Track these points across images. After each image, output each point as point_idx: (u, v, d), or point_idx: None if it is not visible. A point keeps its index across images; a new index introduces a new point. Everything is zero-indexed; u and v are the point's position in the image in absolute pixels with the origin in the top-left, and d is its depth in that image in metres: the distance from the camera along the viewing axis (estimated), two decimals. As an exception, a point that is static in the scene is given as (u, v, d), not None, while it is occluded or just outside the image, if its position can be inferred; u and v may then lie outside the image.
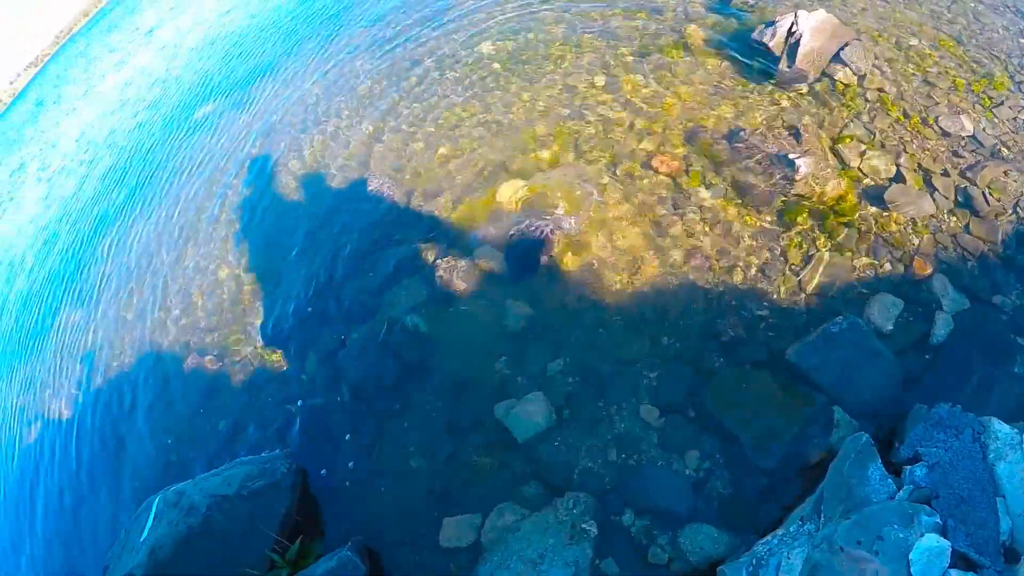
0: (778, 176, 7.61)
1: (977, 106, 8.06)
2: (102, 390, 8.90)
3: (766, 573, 5.27)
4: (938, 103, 8.11)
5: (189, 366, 8.38)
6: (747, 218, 7.55)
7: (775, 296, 7.11)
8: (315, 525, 6.65)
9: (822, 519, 5.57)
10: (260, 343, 8.16)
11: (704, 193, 7.78)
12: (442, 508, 6.46)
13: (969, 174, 7.54)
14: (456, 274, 7.80)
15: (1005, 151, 7.73)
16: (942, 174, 7.59)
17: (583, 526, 5.95)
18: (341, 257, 8.55)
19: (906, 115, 8.02)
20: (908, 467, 5.49)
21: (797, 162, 7.40)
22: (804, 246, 7.29)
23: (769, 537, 5.48)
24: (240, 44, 13.84)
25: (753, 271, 7.27)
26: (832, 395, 6.48)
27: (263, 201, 9.74)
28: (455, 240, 8.18)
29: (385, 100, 10.35)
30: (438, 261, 7.97)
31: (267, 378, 7.85)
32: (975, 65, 8.42)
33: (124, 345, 9.15)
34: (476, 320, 7.53)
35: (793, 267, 7.20)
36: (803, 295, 7.08)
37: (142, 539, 6.17)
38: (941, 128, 7.92)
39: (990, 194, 7.43)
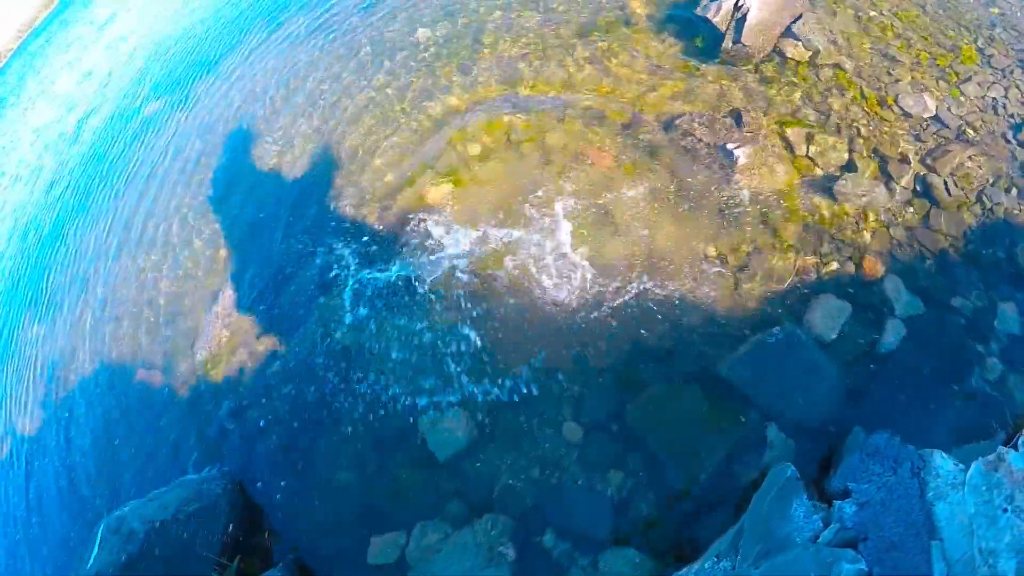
0: (716, 168, 6.71)
1: (942, 83, 7.09)
2: (61, 403, 8.67)
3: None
4: (899, 80, 7.13)
5: (138, 379, 8.14)
6: (684, 216, 6.70)
7: (710, 302, 6.29)
8: (254, 542, 6.38)
9: (739, 556, 4.93)
10: (201, 356, 7.78)
11: (638, 188, 6.90)
12: (370, 524, 6.10)
13: (930, 160, 6.62)
14: (376, 286, 7.22)
15: (971, 132, 6.79)
16: (900, 160, 6.68)
17: (500, 549, 5.61)
18: (274, 268, 7.99)
19: (863, 94, 7.07)
20: (837, 502, 4.81)
21: (735, 152, 6.50)
22: (744, 245, 6.44)
23: (685, 570, 4.85)
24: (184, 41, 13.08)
25: (688, 275, 6.44)
26: (767, 412, 5.75)
27: (209, 203, 9.16)
28: (380, 248, 7.47)
29: (322, 91, 9.53)
30: (360, 274, 7.33)
31: (208, 392, 7.52)
32: (941, 37, 7.41)
33: (80, 357, 8.91)
34: (398, 332, 6.92)
35: (731, 269, 6.38)
36: (741, 300, 6.26)
37: (87, 567, 6.13)
38: (901, 108, 6.97)
39: (953, 182, 6.53)
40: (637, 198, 6.88)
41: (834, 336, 5.97)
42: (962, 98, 6.99)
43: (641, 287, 6.48)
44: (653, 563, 5.29)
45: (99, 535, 6.21)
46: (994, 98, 6.98)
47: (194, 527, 6.16)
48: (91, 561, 6.11)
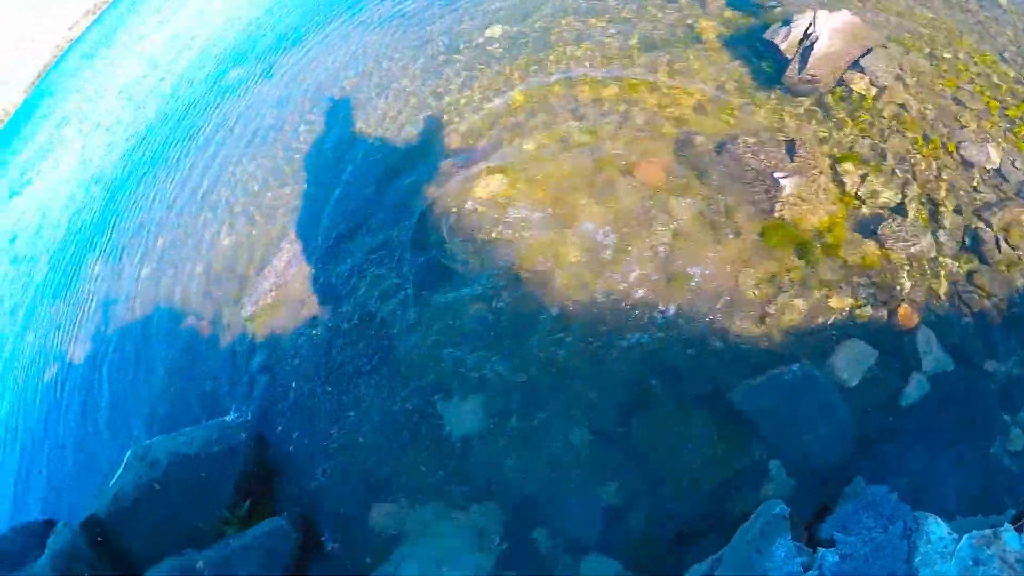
0: (761, 195, 6.57)
1: (1009, 135, 6.74)
2: (111, 340, 9.25)
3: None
4: (964, 127, 6.82)
5: (185, 325, 8.61)
6: (723, 239, 6.60)
7: (735, 328, 6.21)
8: (268, 490, 6.69)
9: (717, 584, 4.91)
10: (246, 312, 8.13)
11: (682, 207, 6.82)
12: (375, 491, 6.32)
13: (985, 213, 6.34)
14: (422, 269, 7.40)
15: (1034, 191, 6.47)
16: (953, 210, 6.41)
17: (490, 535, 5.73)
18: (327, 240, 8.28)
19: (925, 138, 6.79)
20: (821, 550, 4.74)
21: (782, 181, 6.35)
22: (778, 276, 6.32)
23: None
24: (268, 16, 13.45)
25: (717, 298, 6.36)
26: (773, 446, 5.66)
27: (277, 169, 9.52)
28: (429, 232, 7.63)
29: (393, 78, 9.71)
30: (408, 255, 7.53)
31: (246, 346, 7.88)
32: (1016, 86, 7.04)
33: (138, 299, 9.51)
34: (440, 315, 7.10)
35: (761, 298, 6.27)
36: (766, 331, 6.15)
37: (110, 485, 6.57)
38: (962, 156, 6.68)
39: (1006, 240, 6.24)
40: (680, 215, 6.82)
41: (856, 382, 5.81)
42: (1030, 154, 6.65)
43: (670, 304, 6.45)
44: None
45: (126, 459, 6.67)
46: (1065, 157, 6.62)
47: (213, 466, 6.49)
48: (114, 480, 6.57)
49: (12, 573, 6.27)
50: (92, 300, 9.84)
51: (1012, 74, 7.15)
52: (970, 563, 4.50)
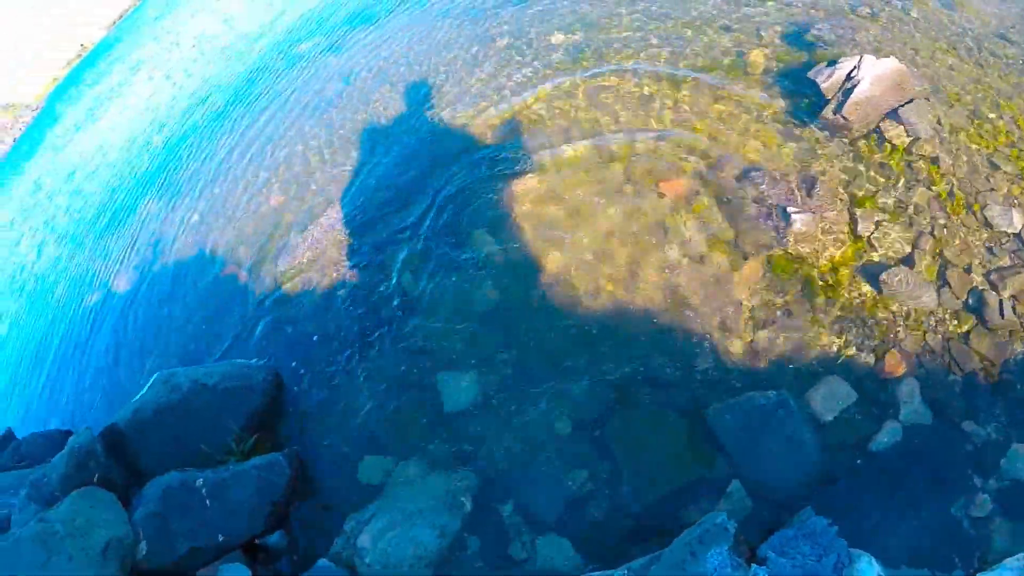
0: (773, 228, 6.68)
1: (1040, 203, 6.64)
2: (156, 276, 9.92)
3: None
4: (994, 189, 6.73)
5: (224, 272, 9.20)
6: (730, 264, 6.74)
7: (725, 350, 6.37)
8: (274, 429, 7.16)
9: (645, 576, 5.14)
10: (281, 267, 8.65)
11: (698, 228, 7.00)
12: (368, 445, 6.72)
13: (995, 276, 6.28)
14: (451, 252, 7.77)
15: (1052, 263, 6.36)
16: (964, 269, 6.38)
17: (461, 499, 6.05)
18: (367, 211, 8.70)
19: (950, 194, 6.74)
20: (754, 566, 4.92)
21: (794, 216, 6.45)
22: (776, 307, 6.44)
23: (598, 574, 5.12)
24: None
25: (713, 318, 6.53)
26: (737, 466, 5.83)
27: (332, 140, 10.03)
28: (460, 219, 8.02)
29: (454, 70, 10.09)
30: (433, 236, 7.94)
31: (278, 298, 8.38)
32: (1057, 156, 6.89)
33: (183, 241, 10.13)
34: (451, 293, 7.48)
35: (754, 325, 6.41)
36: (753, 357, 6.30)
37: (133, 400, 7.04)
38: (985, 217, 6.60)
39: (1012, 307, 6.18)
40: (694, 236, 6.98)
41: (829, 419, 5.91)
42: (1055, 224, 6.52)
43: (669, 317, 6.64)
44: (581, 560, 5.59)
45: (152, 380, 7.17)
46: (1091, 234, 6.47)
47: (229, 399, 6.93)
48: (137, 397, 7.04)
49: (31, 466, 6.84)
50: (140, 237, 10.50)
51: (1055, 143, 6.99)
52: (891, 611, 4.61)
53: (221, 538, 5.81)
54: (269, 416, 7.13)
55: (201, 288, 9.27)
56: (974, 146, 7.00)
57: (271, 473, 6.29)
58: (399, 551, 5.74)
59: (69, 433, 7.54)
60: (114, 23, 15.37)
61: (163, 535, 5.67)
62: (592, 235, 7.24)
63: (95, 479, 6.02)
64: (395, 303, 7.65)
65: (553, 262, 7.19)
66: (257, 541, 6.06)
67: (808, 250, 6.53)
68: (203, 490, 6.00)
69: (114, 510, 5.77)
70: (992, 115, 7.20)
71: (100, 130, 13.80)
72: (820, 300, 6.36)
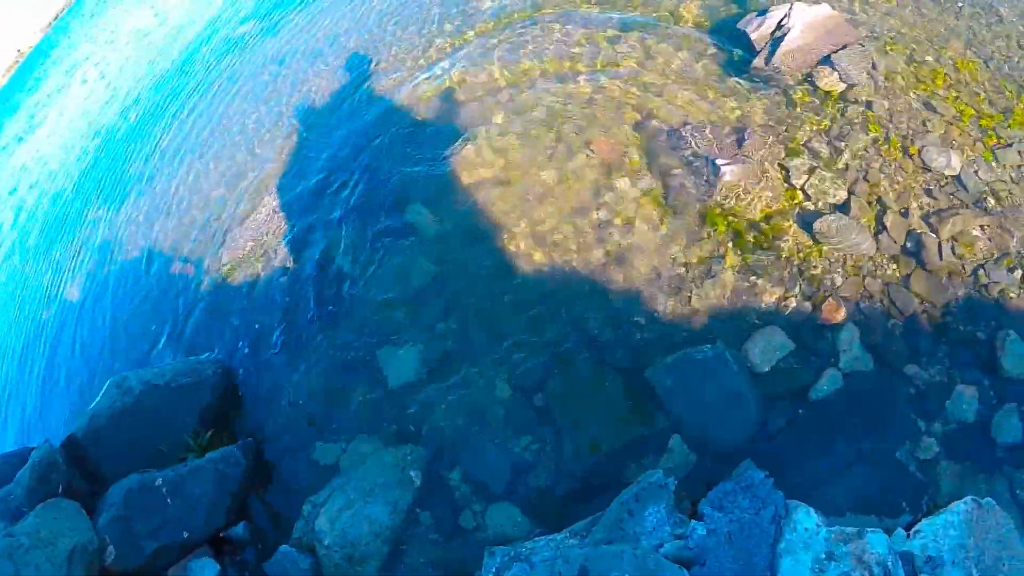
0: (703, 180, 6.49)
1: (978, 144, 6.42)
2: (106, 280, 9.96)
3: (515, 569, 4.81)
4: (930, 132, 6.53)
5: (173, 270, 9.18)
6: (663, 220, 6.56)
7: (661, 306, 6.19)
8: (228, 422, 7.12)
9: (587, 539, 4.99)
10: (225, 259, 8.61)
11: (629, 185, 6.81)
12: (320, 428, 6.67)
13: (933, 219, 6.10)
14: (387, 228, 7.66)
15: (992, 202, 6.16)
16: (901, 213, 6.19)
17: (410, 473, 6.02)
18: (313, 196, 8.60)
19: (886, 138, 6.54)
20: (692, 522, 4.78)
21: (723, 168, 6.25)
22: (709, 260, 6.25)
23: (543, 540, 4.97)
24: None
25: (648, 275, 6.35)
26: (677, 422, 5.67)
27: (268, 125, 9.91)
28: (400, 194, 7.87)
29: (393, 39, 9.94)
30: (373, 213, 7.82)
31: (225, 291, 8.37)
32: (996, 95, 6.67)
33: (130, 242, 10.16)
34: (389, 269, 7.37)
35: (689, 279, 6.23)
36: (690, 312, 6.11)
37: (88, 408, 7.06)
38: (923, 160, 6.41)
39: (951, 248, 6.00)
40: (626, 193, 6.83)
41: (767, 369, 5.73)
42: (995, 163, 6.33)
43: (604, 276, 6.49)
44: (529, 525, 5.50)
45: (105, 386, 7.13)
46: (1032, 171, 6.29)
47: (181, 397, 6.91)
48: (92, 404, 7.03)
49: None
50: (87, 243, 10.46)
51: (994, 84, 6.80)
52: (823, 556, 4.45)
53: (186, 535, 5.83)
54: (223, 409, 7.08)
55: (150, 288, 9.26)
56: (911, 91, 6.82)
57: (227, 465, 6.29)
58: (355, 530, 5.72)
59: (32, 449, 7.50)
60: (50, 24, 15.20)
61: (128, 537, 5.68)
62: (525, 200, 7.08)
63: (59, 490, 6.06)
64: (335, 285, 7.56)
65: (487, 229, 7.04)
66: (222, 534, 6.05)
67: (741, 201, 6.35)
68: (163, 489, 5.99)
69: (78, 518, 5.79)
70: (929, 58, 7.02)
71: (40, 139, 13.70)
72: (754, 251, 6.19)
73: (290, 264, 7.93)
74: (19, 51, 14.58)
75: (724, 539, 4.63)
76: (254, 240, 8.41)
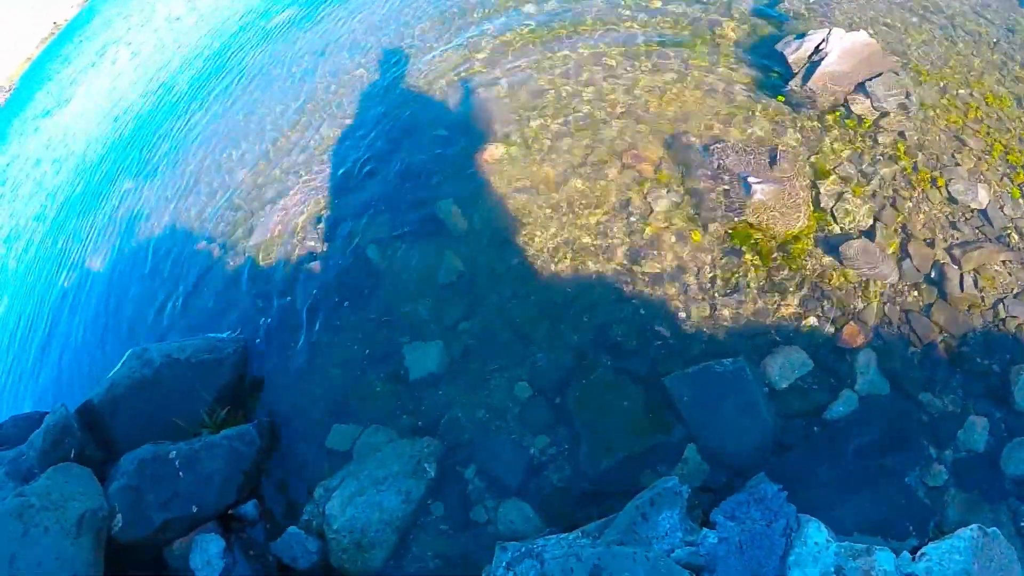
0: (733, 197, 6.60)
1: (1005, 179, 6.53)
2: (131, 255, 10.03)
3: (526, 565, 4.92)
4: (959, 165, 6.64)
5: (199, 248, 9.22)
6: (692, 233, 6.67)
7: (684, 318, 6.30)
8: (245, 401, 7.15)
9: (599, 540, 5.09)
10: (253, 242, 8.67)
11: (662, 197, 6.91)
12: (337, 414, 6.72)
13: (957, 251, 6.20)
14: (416, 221, 7.73)
15: (1015, 238, 6.27)
16: (925, 242, 6.29)
17: (425, 465, 6.05)
18: (342, 184, 8.65)
19: (915, 168, 6.65)
20: (704, 530, 4.88)
21: (754, 187, 6.36)
22: (735, 276, 6.36)
23: (554, 538, 5.03)
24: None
25: (673, 287, 6.46)
26: (693, 433, 5.76)
27: (302, 113, 9.96)
28: (430, 189, 7.96)
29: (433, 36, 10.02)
30: (403, 206, 7.89)
31: (250, 273, 8.39)
32: (1024, 133, 6.80)
33: (158, 218, 10.21)
34: (417, 263, 7.45)
35: (714, 294, 6.33)
36: (712, 325, 6.22)
37: (108, 376, 7.06)
38: (950, 193, 6.51)
39: (973, 281, 6.10)
40: (657, 205, 6.92)
41: (785, 386, 5.84)
42: (1021, 200, 6.43)
43: (631, 285, 6.58)
44: (540, 523, 5.57)
45: (126, 356, 7.18)
46: (1057, 210, 6.38)
47: (201, 372, 6.93)
48: (111, 373, 7.06)
49: (13, 447, 6.85)
50: (117, 215, 10.51)
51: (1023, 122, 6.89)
52: (831, 570, 4.56)
53: (195, 509, 5.81)
54: (241, 388, 7.12)
55: (176, 265, 9.30)
56: (942, 122, 6.91)
57: (242, 443, 6.30)
58: (365, 516, 5.75)
59: (47, 414, 7.57)
60: (86, 2, 15.26)
61: (138, 507, 5.67)
62: (555, 205, 7.18)
63: (72, 455, 6.06)
64: (362, 274, 7.60)
65: (516, 232, 7.13)
66: (231, 511, 6.06)
67: (769, 220, 6.45)
68: (176, 462, 5.99)
69: (89, 484, 5.79)
70: (962, 91, 7.11)
71: (75, 110, 13.74)
72: (780, 270, 6.29)
73: (319, 250, 8.02)
74: (55, 23, 14.63)
75: (735, 548, 4.73)
76: (283, 225, 8.50)
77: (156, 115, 12.09)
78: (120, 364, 7.10)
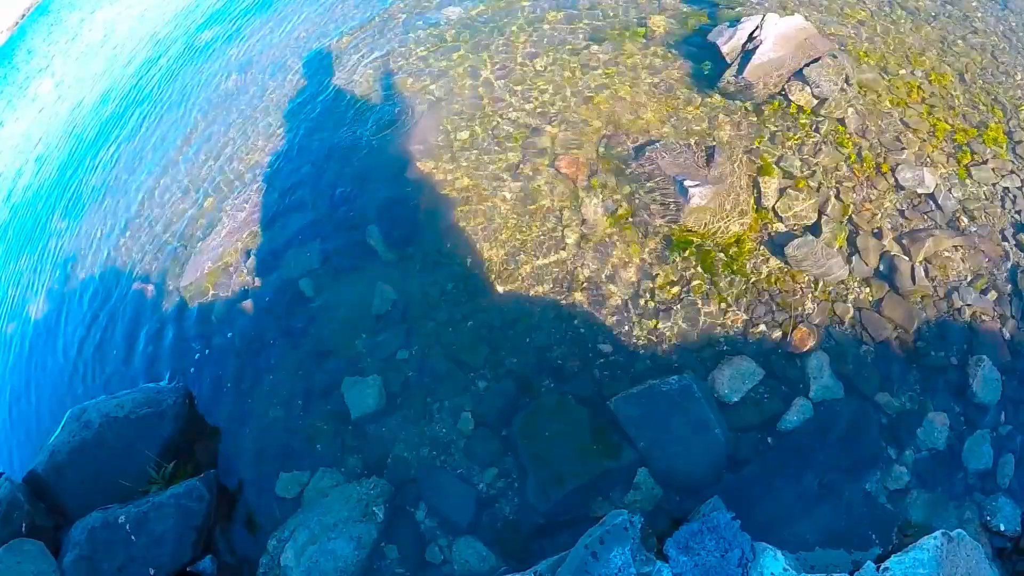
0: (670, 202, 6.27)
1: (951, 160, 6.26)
2: (65, 296, 9.52)
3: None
4: (905, 148, 6.35)
5: (133, 288, 8.75)
6: (630, 243, 6.34)
7: (627, 334, 6.00)
8: (192, 451, 6.81)
9: (551, 580, 4.83)
10: (185, 281, 8.27)
11: (597, 206, 6.59)
12: (283, 460, 6.42)
13: (906, 241, 5.93)
14: (347, 248, 7.40)
15: (965, 221, 6.01)
16: (873, 234, 6.02)
17: (373, 508, 5.82)
18: (273, 213, 8.26)
19: (859, 155, 6.36)
20: (659, 563, 4.64)
21: (691, 191, 6.03)
22: (676, 286, 6.05)
23: None
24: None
25: (614, 301, 6.15)
26: (643, 455, 5.50)
27: (230, 138, 9.55)
28: (360, 212, 7.59)
29: (355, 47, 9.60)
30: (332, 232, 7.55)
31: (185, 314, 8.00)
32: (969, 110, 6.50)
33: (90, 259, 9.77)
34: (349, 294, 7.12)
35: (655, 306, 6.02)
36: (656, 340, 5.93)
37: (48, 443, 6.78)
38: (896, 179, 6.24)
39: (924, 271, 5.83)
40: (590, 215, 6.61)
41: (736, 399, 5.58)
42: (968, 181, 6.16)
43: (567, 302, 6.28)
44: (496, 561, 5.34)
45: (64, 419, 6.86)
46: (1006, 188, 6.13)
47: (142, 428, 6.65)
48: (52, 439, 6.76)
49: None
50: (51, 258, 10.09)
51: (968, 98, 6.60)
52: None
53: (152, 571, 5.66)
54: (185, 439, 6.80)
55: (112, 310, 8.86)
56: (884, 105, 6.64)
57: (190, 500, 6.11)
58: (320, 566, 5.53)
59: None
60: (14, 26, 14.69)
61: None
62: (488, 220, 6.85)
63: (23, 529, 5.88)
64: (296, 309, 7.25)
65: (448, 253, 6.82)
66: (189, 569, 5.84)
67: (709, 224, 6.15)
68: (127, 526, 5.83)
69: (42, 560, 5.63)
70: (903, 71, 6.82)
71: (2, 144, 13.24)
72: (723, 276, 6.00)
73: (251, 286, 7.65)
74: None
75: (691, 583, 4.49)
76: (213, 260, 8.11)
77: (86, 147, 11.64)
78: (60, 428, 6.81)
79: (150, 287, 8.53)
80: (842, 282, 5.87)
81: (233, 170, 8.87)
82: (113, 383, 7.92)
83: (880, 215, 6.07)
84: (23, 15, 14.77)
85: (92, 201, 10.33)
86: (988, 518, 5.18)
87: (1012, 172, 6.16)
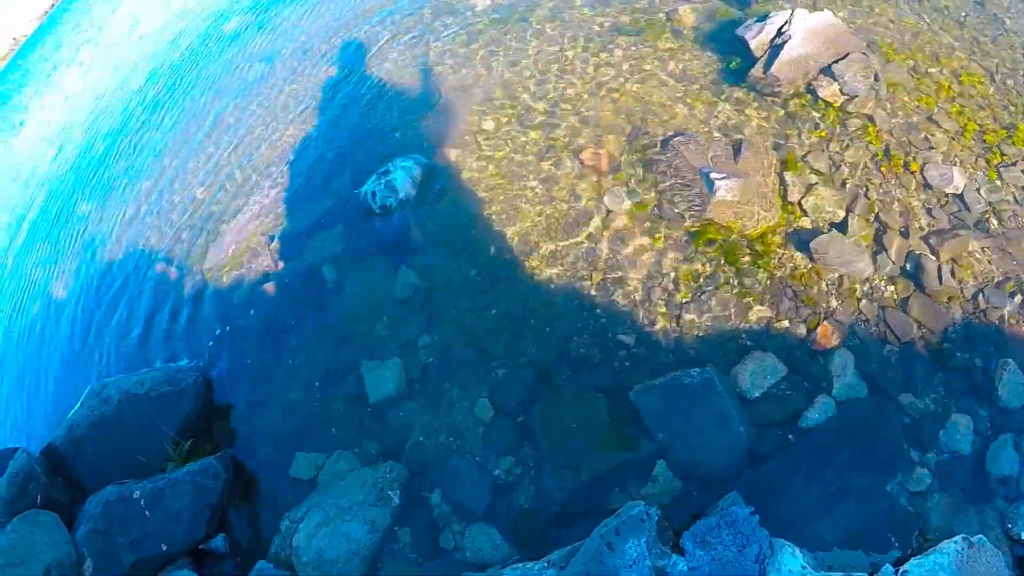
0: (696, 195, 6.22)
1: (981, 161, 6.17)
2: (90, 279, 9.51)
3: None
4: (933, 148, 6.27)
5: (156, 270, 8.78)
6: (653, 235, 6.30)
7: (649, 326, 5.96)
8: (209, 432, 6.86)
9: (566, 570, 4.79)
10: (209, 263, 8.28)
11: (621, 198, 6.54)
12: (299, 441, 6.43)
13: (934, 240, 5.85)
14: (371, 234, 7.40)
15: (994, 223, 5.92)
16: (900, 232, 5.94)
17: (389, 492, 5.82)
18: (297, 198, 8.27)
19: (887, 153, 6.28)
20: (674, 557, 4.59)
21: (717, 184, 5.98)
22: (701, 279, 6.00)
23: (520, 568, 4.77)
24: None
25: (637, 292, 6.11)
26: (663, 447, 5.45)
27: (254, 125, 9.57)
28: (384, 200, 7.54)
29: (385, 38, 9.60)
30: (356, 219, 7.53)
31: (207, 295, 8.03)
32: (999, 110, 6.41)
33: (116, 242, 9.75)
34: (372, 278, 7.10)
35: (679, 299, 5.97)
36: (679, 332, 5.88)
37: (68, 417, 6.83)
38: (924, 178, 6.15)
39: (951, 271, 5.75)
40: (616, 206, 6.56)
41: (757, 394, 5.52)
42: (999, 182, 6.08)
43: (591, 293, 6.24)
44: (509, 549, 5.30)
45: (84, 394, 6.92)
46: (1036, 192, 6.03)
47: (161, 406, 6.71)
48: (71, 413, 6.82)
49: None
50: (76, 240, 10.16)
51: (998, 97, 6.51)
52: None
53: (164, 547, 5.71)
54: (203, 418, 6.86)
55: (135, 290, 8.91)
56: (913, 103, 6.55)
57: (206, 478, 6.14)
58: (333, 548, 5.53)
59: (15, 449, 7.35)
60: (45, 14, 14.78)
61: (107, 550, 5.56)
62: (512, 211, 6.82)
63: (38, 501, 5.92)
64: (318, 293, 7.26)
65: (472, 240, 6.79)
66: (201, 547, 5.90)
67: (735, 218, 6.08)
68: (141, 501, 5.86)
69: (56, 531, 5.67)
70: (933, 69, 6.74)
71: (33, 131, 13.33)
72: (747, 270, 5.94)
73: (273, 269, 7.66)
74: (14, 39, 14.17)
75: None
76: (238, 244, 8.13)
77: (113, 134, 11.69)
78: (79, 403, 6.85)
79: (173, 269, 8.57)
80: (867, 280, 5.80)
81: (259, 155, 8.89)
82: (135, 362, 7.97)
83: (908, 214, 6.00)
84: (52, 4, 14.87)
85: (117, 186, 10.40)
86: (1010, 525, 5.08)
87: (1043, 175, 6.07)
